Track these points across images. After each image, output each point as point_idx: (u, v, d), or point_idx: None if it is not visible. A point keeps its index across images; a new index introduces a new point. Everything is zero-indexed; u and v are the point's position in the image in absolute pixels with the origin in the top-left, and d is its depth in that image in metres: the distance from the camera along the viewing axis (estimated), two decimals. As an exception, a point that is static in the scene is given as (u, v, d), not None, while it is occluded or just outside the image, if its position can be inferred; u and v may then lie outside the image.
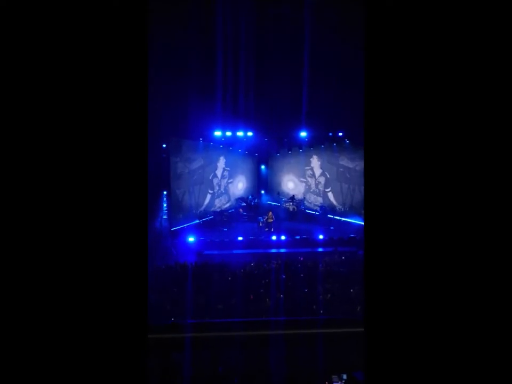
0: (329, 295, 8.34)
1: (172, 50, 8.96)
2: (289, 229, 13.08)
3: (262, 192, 16.94)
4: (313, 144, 15.05)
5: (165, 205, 12.97)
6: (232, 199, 16.10)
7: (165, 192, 12.75)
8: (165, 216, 13.02)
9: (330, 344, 6.31)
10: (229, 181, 16.00)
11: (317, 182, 15.91)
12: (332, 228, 13.65)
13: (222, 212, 14.73)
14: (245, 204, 15.38)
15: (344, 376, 5.71)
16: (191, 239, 12.11)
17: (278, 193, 16.17)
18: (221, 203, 15.56)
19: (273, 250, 11.98)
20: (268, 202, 16.37)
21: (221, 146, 14.83)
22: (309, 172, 16.08)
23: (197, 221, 13.84)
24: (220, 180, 15.50)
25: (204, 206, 14.53)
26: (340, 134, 13.80)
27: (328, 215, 14.64)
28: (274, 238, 12.43)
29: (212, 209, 14.84)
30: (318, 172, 15.82)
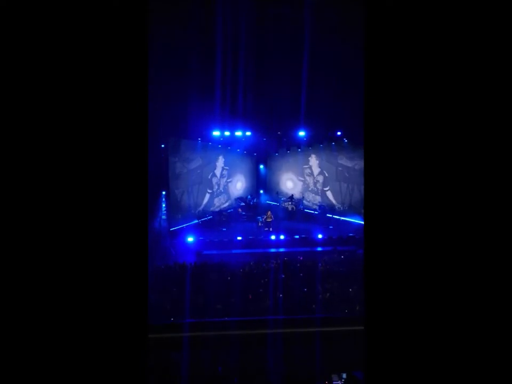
0: (328, 294, 8.35)
1: (171, 50, 8.96)
2: (288, 229, 13.09)
3: (261, 191, 16.95)
4: (312, 144, 15.07)
5: (163, 205, 12.98)
6: (231, 198, 16.10)
7: (163, 192, 12.76)
8: (163, 217, 13.02)
9: (330, 343, 6.33)
10: (228, 180, 16.01)
11: (315, 181, 15.93)
12: (331, 227, 13.67)
13: (220, 212, 14.73)
14: (243, 204, 15.38)
15: (344, 376, 5.72)
16: (190, 239, 12.11)
17: (277, 193, 16.17)
18: (220, 202, 15.57)
19: (273, 250, 11.99)
20: (267, 201, 16.38)
21: (219, 146, 14.84)
22: (307, 171, 16.10)
23: (196, 221, 13.85)
24: (219, 179, 15.51)
25: (202, 206, 14.54)
26: (339, 133, 13.82)
27: (327, 214, 14.67)
28: (273, 237, 12.43)
29: (211, 208, 14.85)
30: (316, 170, 15.84)
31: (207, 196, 14.81)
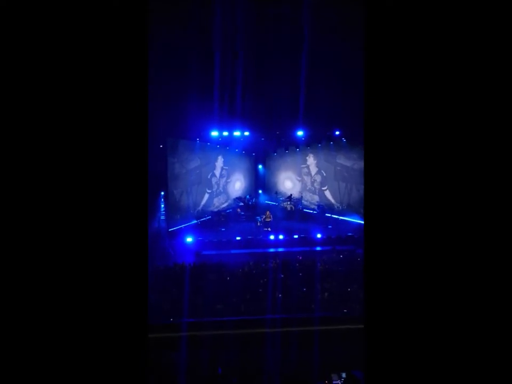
0: (326, 294, 8.36)
1: (171, 50, 8.95)
2: (287, 228, 13.10)
3: (260, 191, 16.95)
4: (311, 143, 15.08)
5: (162, 206, 12.97)
6: (230, 198, 16.11)
7: (162, 193, 12.75)
8: (162, 217, 13.02)
9: (329, 342, 6.34)
10: (228, 180, 16.02)
11: (312, 180, 15.94)
12: (329, 226, 13.68)
13: (219, 212, 14.73)
14: (242, 204, 15.39)
15: (344, 375, 5.72)
16: (189, 239, 12.10)
17: (276, 193, 16.18)
18: (220, 202, 15.57)
19: (272, 250, 12.00)
20: (266, 201, 16.38)
21: (218, 146, 14.83)
22: (305, 170, 16.12)
23: (195, 221, 13.84)
24: (219, 179, 15.52)
25: (201, 206, 14.54)
26: (337, 132, 13.82)
27: (326, 214, 14.68)
28: (272, 237, 12.44)
29: (210, 208, 14.84)
30: (314, 170, 15.85)
31: (206, 196, 14.81)
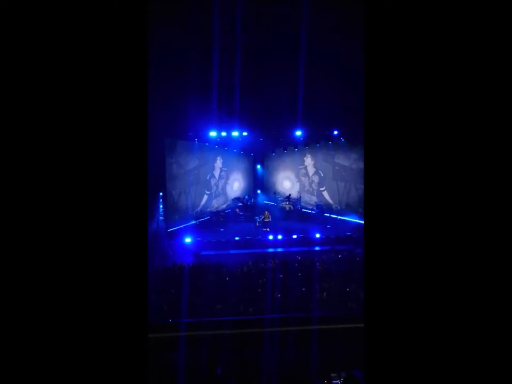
0: (325, 293, 8.36)
1: (171, 50, 8.94)
2: (286, 228, 13.11)
3: (258, 191, 16.95)
4: (309, 143, 15.08)
5: (161, 206, 12.96)
6: (229, 199, 16.10)
7: (161, 193, 12.74)
8: (161, 218, 13.01)
9: (328, 341, 6.34)
10: (227, 181, 16.01)
11: (310, 181, 15.94)
12: (328, 226, 13.70)
13: (218, 212, 14.73)
14: (241, 204, 15.38)
15: (343, 374, 5.72)
16: (188, 239, 12.10)
17: (274, 193, 16.18)
18: (218, 203, 15.56)
19: (270, 250, 12.00)
20: (264, 201, 16.38)
21: (216, 146, 14.82)
22: (303, 171, 16.12)
23: (194, 222, 13.83)
24: (218, 180, 15.50)
25: (200, 207, 14.53)
26: (336, 132, 13.83)
27: (325, 214, 14.69)
28: (271, 237, 12.44)
29: (209, 209, 14.84)
30: (311, 171, 15.86)
31: (205, 197, 14.80)
